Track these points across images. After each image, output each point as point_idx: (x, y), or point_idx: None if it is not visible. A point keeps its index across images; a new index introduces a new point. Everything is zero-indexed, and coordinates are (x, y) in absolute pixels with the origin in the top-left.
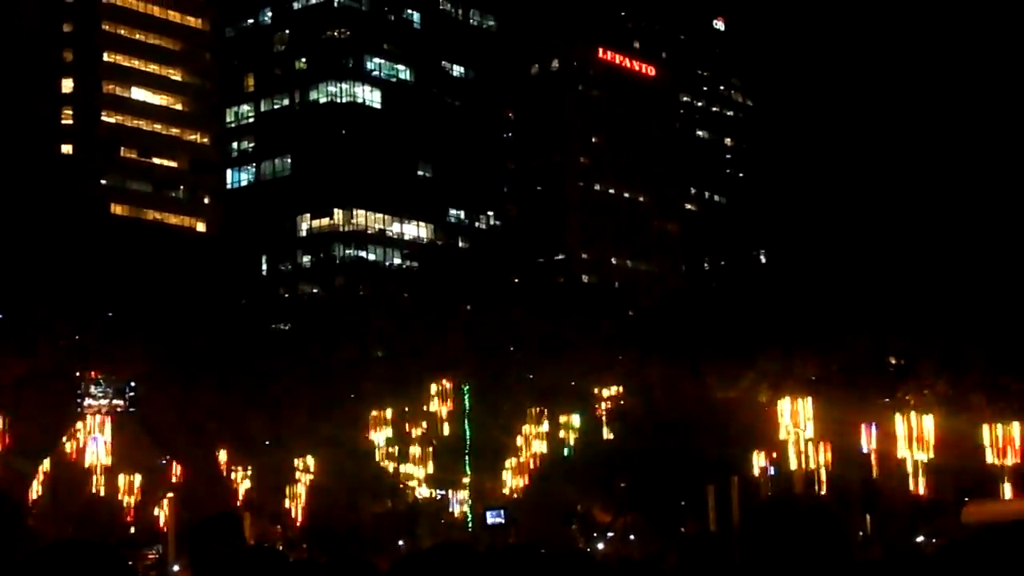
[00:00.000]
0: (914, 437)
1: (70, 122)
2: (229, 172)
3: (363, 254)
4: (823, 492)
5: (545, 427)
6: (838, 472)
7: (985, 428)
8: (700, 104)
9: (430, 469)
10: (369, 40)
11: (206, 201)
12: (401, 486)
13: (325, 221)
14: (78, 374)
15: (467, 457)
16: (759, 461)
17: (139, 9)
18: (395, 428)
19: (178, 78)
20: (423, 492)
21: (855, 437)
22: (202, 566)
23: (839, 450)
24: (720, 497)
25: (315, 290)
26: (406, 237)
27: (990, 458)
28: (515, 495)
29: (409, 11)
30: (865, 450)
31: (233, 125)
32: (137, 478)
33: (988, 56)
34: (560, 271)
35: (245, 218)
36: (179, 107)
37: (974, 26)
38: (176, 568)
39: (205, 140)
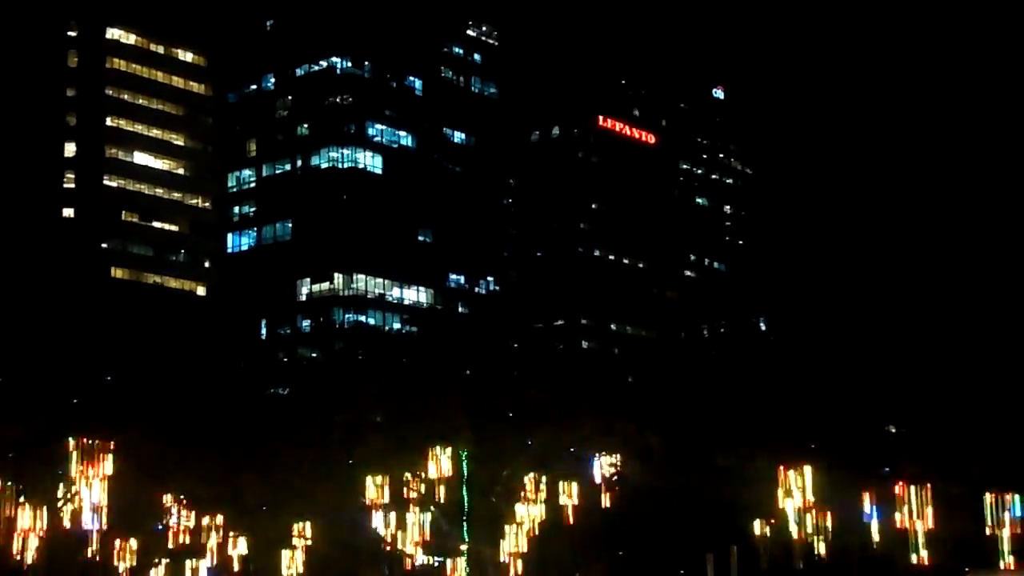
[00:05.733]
0: (914, 506)
1: (72, 186)
2: (230, 236)
3: (363, 319)
4: (823, 560)
5: (544, 494)
6: (838, 540)
7: (985, 497)
8: (699, 171)
9: (428, 536)
10: (371, 106)
11: (206, 265)
12: (399, 553)
13: (325, 285)
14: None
15: (465, 524)
16: (759, 529)
17: (142, 75)
18: (393, 494)
19: (180, 143)
20: (421, 559)
21: (855, 506)
22: None
23: (839, 518)
24: (720, 565)
25: (314, 354)
26: (406, 302)
27: (989, 527)
28: (513, 563)
29: (411, 78)
30: (865, 518)
31: (235, 189)
32: (132, 543)
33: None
34: (560, 337)
35: (245, 282)
36: (181, 171)
37: (977, 86)
38: None
39: (206, 204)
